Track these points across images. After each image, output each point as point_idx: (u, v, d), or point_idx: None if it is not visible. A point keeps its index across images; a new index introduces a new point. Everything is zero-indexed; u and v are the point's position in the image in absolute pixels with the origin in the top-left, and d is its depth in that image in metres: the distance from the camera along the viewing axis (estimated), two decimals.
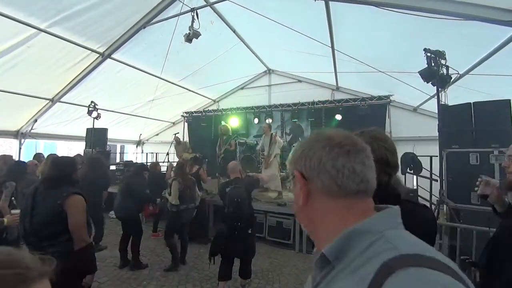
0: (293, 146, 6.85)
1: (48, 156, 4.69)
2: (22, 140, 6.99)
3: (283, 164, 6.43)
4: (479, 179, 1.54)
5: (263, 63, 8.73)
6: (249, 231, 2.98)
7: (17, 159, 6.48)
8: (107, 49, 5.62)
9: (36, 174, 4.08)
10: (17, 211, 2.42)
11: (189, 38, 4.54)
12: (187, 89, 8.53)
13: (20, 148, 6.96)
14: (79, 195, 1.92)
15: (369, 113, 7.29)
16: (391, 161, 0.97)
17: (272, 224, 4.75)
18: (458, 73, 3.85)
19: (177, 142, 7.63)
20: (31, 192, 1.94)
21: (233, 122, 8.97)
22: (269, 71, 9.43)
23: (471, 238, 2.51)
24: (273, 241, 4.71)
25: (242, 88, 9.97)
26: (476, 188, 1.57)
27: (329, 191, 0.57)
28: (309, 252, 4.42)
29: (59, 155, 4.60)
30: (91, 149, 6.61)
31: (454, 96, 4.73)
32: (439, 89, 3.71)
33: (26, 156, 7.15)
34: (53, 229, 1.81)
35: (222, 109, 9.70)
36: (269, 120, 8.40)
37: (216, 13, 5.70)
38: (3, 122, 6.58)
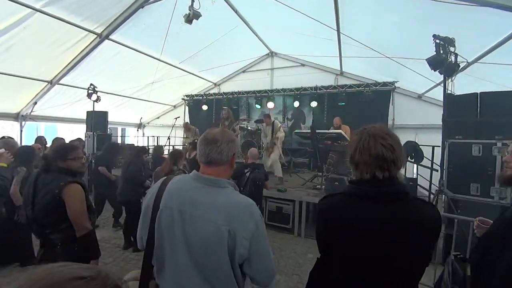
0: (295, 131, 6.87)
1: (53, 139, 4.72)
2: (23, 123, 6.98)
3: (283, 149, 6.46)
4: (475, 222, 1.56)
5: (265, 45, 8.48)
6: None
7: (19, 142, 6.53)
8: (104, 30, 5.46)
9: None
10: (1, 150, 2.50)
11: (189, 19, 4.38)
12: (187, 71, 8.37)
13: (21, 131, 6.97)
14: (77, 184, 1.91)
15: (372, 99, 7.19)
16: (387, 157, 0.98)
17: (272, 209, 4.83)
18: (467, 62, 3.72)
19: (187, 129, 7.32)
20: (32, 179, 1.95)
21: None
22: (271, 54, 9.18)
23: (468, 229, 2.54)
24: (272, 226, 4.81)
25: (244, 71, 9.76)
26: (475, 231, 1.58)
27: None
28: (308, 236, 4.53)
29: (64, 138, 4.65)
30: (92, 132, 6.60)
31: (462, 84, 4.59)
32: (446, 77, 3.60)
33: (28, 139, 7.20)
34: (53, 217, 1.83)
35: (223, 92, 9.57)
36: (271, 104, 8.33)
37: None
38: (3, 104, 6.54)
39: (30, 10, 4.32)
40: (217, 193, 1.05)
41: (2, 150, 2.43)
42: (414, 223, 0.96)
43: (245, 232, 0.97)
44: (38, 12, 4.40)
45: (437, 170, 3.80)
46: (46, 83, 6.41)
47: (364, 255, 0.98)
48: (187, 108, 10.14)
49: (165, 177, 1.20)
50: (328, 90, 7.84)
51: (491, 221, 1.53)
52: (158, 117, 11.42)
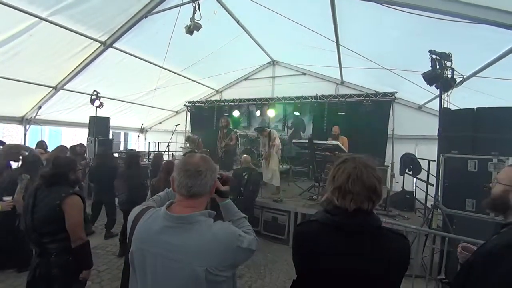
0: (293, 141, 6.88)
1: (57, 147, 4.80)
2: (27, 126, 7.11)
3: (282, 157, 6.47)
4: (458, 249, 1.54)
5: (267, 54, 8.57)
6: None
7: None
8: (109, 38, 5.58)
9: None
10: (9, 198, 2.52)
11: (190, 30, 4.45)
12: (189, 79, 8.48)
13: (25, 134, 7.10)
14: (77, 196, 1.98)
15: (373, 110, 7.19)
16: (377, 189, 1.01)
17: (267, 219, 4.83)
18: (463, 77, 3.72)
19: (192, 141, 7.08)
20: (32, 190, 2.00)
21: (235, 114, 8.95)
22: (273, 63, 9.27)
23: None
24: (267, 236, 4.80)
25: (245, 79, 9.87)
26: (458, 256, 1.57)
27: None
28: None
29: (66, 147, 4.70)
30: (93, 137, 6.69)
31: (461, 96, 4.61)
32: (442, 92, 3.61)
33: (32, 142, 7.30)
34: (52, 227, 1.88)
35: (225, 99, 9.65)
36: (271, 113, 8.37)
37: (219, 3, 5.56)
38: (8, 108, 6.69)
39: (36, 19, 4.45)
40: (190, 230, 0.98)
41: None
42: (383, 258, 0.97)
43: (223, 262, 0.96)
44: (44, 21, 4.54)
45: (432, 185, 3.78)
46: (51, 89, 6.55)
47: (334, 285, 1.01)
48: (188, 114, 10.23)
49: (139, 210, 1.14)
50: (328, 100, 7.86)
51: (475, 248, 1.52)
52: (160, 123, 11.54)
